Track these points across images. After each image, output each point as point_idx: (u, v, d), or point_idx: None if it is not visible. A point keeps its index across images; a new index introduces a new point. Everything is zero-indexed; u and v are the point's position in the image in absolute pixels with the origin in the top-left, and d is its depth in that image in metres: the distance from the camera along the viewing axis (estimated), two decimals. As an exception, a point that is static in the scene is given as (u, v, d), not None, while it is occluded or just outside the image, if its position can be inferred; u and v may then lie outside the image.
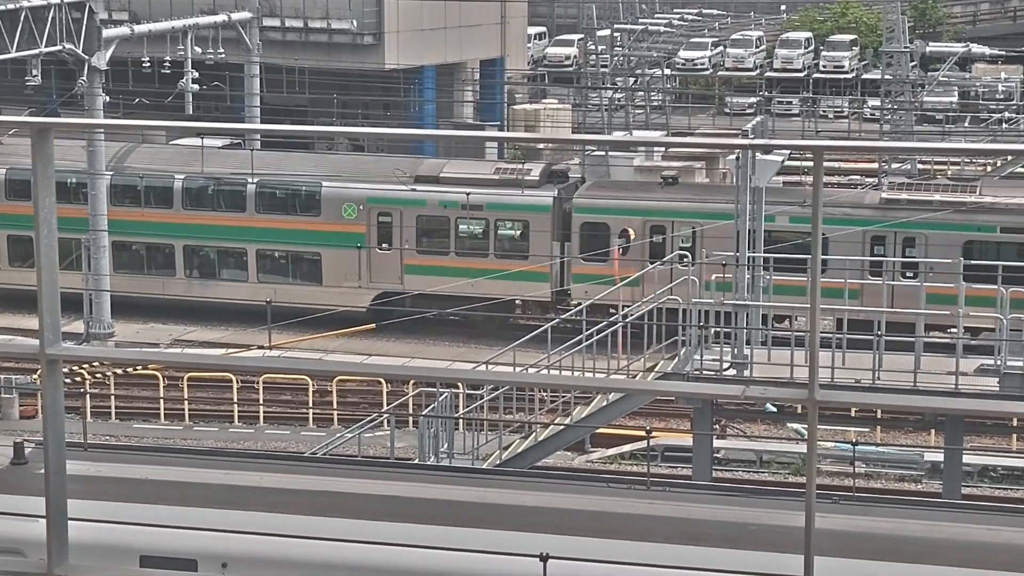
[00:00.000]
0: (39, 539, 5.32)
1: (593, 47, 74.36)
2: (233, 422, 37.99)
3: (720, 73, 78.26)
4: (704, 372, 25.77)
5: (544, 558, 14.44)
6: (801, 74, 76.46)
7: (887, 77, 59.65)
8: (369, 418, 29.56)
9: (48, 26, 41.54)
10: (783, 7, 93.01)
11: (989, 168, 53.22)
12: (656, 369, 26.57)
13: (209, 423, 38.03)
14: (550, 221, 43.60)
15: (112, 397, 38.79)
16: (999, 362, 25.95)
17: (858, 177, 57.93)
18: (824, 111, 72.84)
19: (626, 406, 27.51)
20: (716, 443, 32.01)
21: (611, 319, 27.03)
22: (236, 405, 38.26)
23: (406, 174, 44.17)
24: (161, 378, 39.08)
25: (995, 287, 28.49)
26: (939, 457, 30.94)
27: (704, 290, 28.21)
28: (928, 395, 23.24)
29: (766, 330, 27.13)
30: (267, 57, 54.89)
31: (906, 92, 59.78)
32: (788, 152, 35.05)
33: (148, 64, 46.39)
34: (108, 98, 44.88)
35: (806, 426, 5.01)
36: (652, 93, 72.92)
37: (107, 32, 43.99)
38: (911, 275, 38.17)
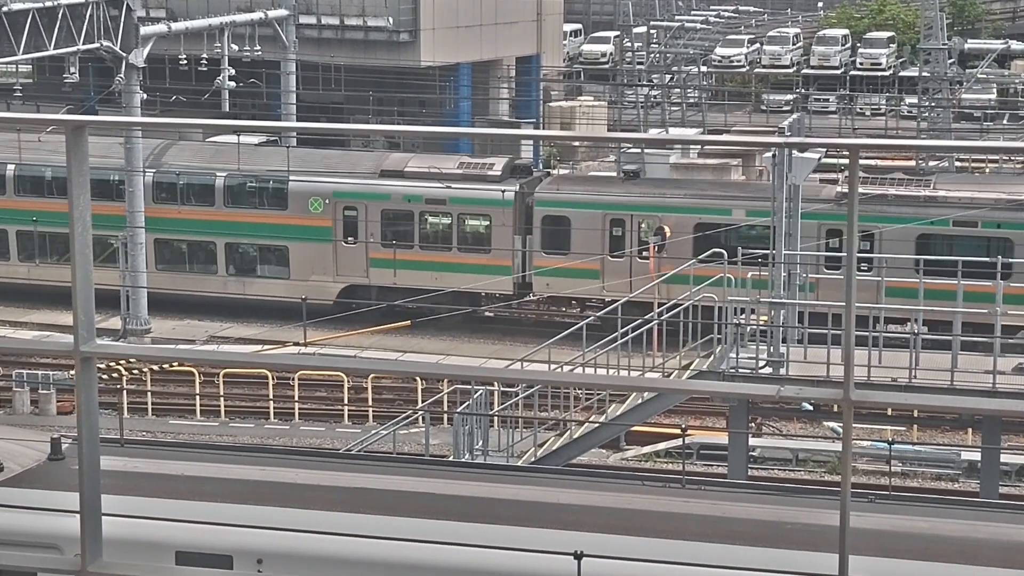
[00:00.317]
0: (75, 535, 5.33)
1: (629, 44, 74.24)
2: (269, 418, 38.09)
3: (757, 70, 78.04)
4: (740, 370, 25.68)
5: (579, 556, 14.42)
6: (838, 71, 76.19)
7: (925, 74, 59.35)
8: (404, 415, 29.60)
9: (86, 24, 41.72)
10: (820, 4, 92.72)
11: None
12: (692, 367, 26.51)
13: (245, 419, 38.13)
14: (512, 215, 44.12)
15: (148, 393, 38.93)
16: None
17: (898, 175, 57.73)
18: (861, 108, 72.55)
19: (661, 404, 27.47)
20: (752, 441, 31.92)
21: (646, 316, 26.97)
22: (272, 401, 38.36)
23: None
24: (197, 374, 39.21)
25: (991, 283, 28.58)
26: (976, 456, 30.81)
27: (740, 287, 28.10)
28: (964, 395, 23.13)
29: (801, 328, 27.02)
30: (303, 54, 55.00)
31: (944, 89, 59.47)
32: (825, 150, 34.91)
33: (185, 61, 46.54)
34: (145, 95, 45.05)
35: (842, 425, 4.98)
36: (688, 90, 72.76)
37: (144, 29, 44.16)
38: (866, 268, 38.36)
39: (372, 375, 38.47)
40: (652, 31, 76.94)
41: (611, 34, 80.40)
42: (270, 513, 16.16)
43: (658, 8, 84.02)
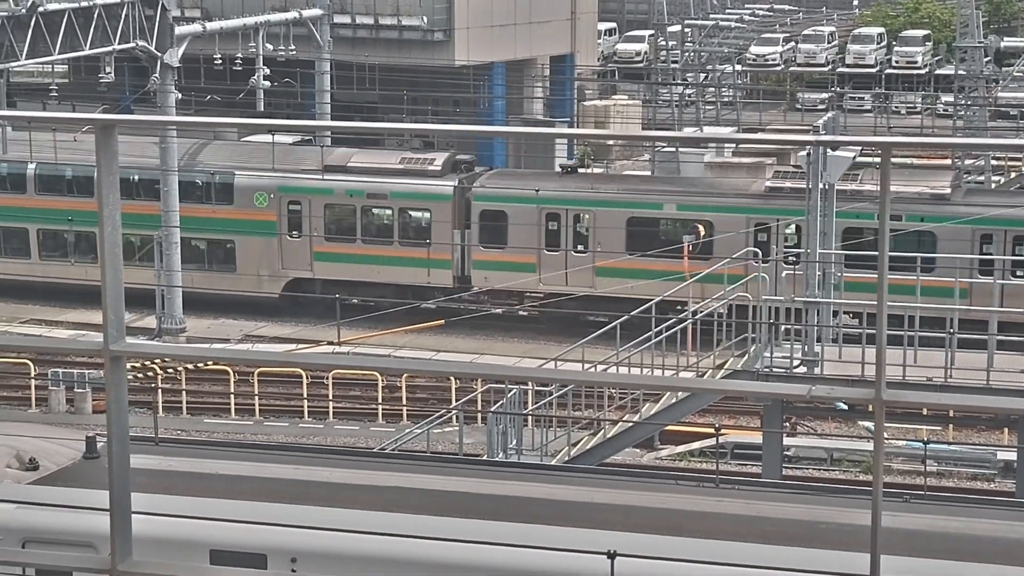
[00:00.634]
0: (109, 533, 5.33)
1: (664, 43, 74.14)
2: (303, 417, 38.16)
3: (792, 69, 77.82)
4: (774, 370, 25.60)
5: (612, 555, 14.40)
6: (873, 70, 75.92)
7: (961, 72, 59.08)
8: (438, 414, 29.60)
9: (121, 23, 41.88)
10: (856, 2, 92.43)
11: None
12: (726, 366, 26.44)
13: (279, 418, 38.20)
14: (451, 209, 44.72)
15: (183, 392, 39.05)
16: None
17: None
18: (896, 107, 72.29)
19: (695, 403, 27.40)
20: (786, 441, 31.82)
21: (680, 316, 26.90)
22: (306, 400, 38.43)
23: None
24: (232, 373, 39.30)
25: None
26: (1013, 456, 30.64)
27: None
28: (1000, 395, 23.00)
29: (836, 327, 26.92)
30: (338, 54, 55.08)
31: (980, 88, 59.20)
32: (859, 148, 34.78)
33: (220, 61, 46.67)
34: (180, 95, 45.19)
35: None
36: (723, 89, 72.62)
37: (179, 29, 44.31)
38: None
39: (406, 374, 38.48)
40: (687, 30, 76.86)
41: (646, 33, 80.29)
42: (304, 512, 16.18)
43: (693, 7, 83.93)
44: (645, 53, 79.44)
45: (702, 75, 74.04)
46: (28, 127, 47.15)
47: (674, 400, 25.91)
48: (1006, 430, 32.41)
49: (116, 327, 5.17)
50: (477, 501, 16.96)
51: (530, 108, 63.74)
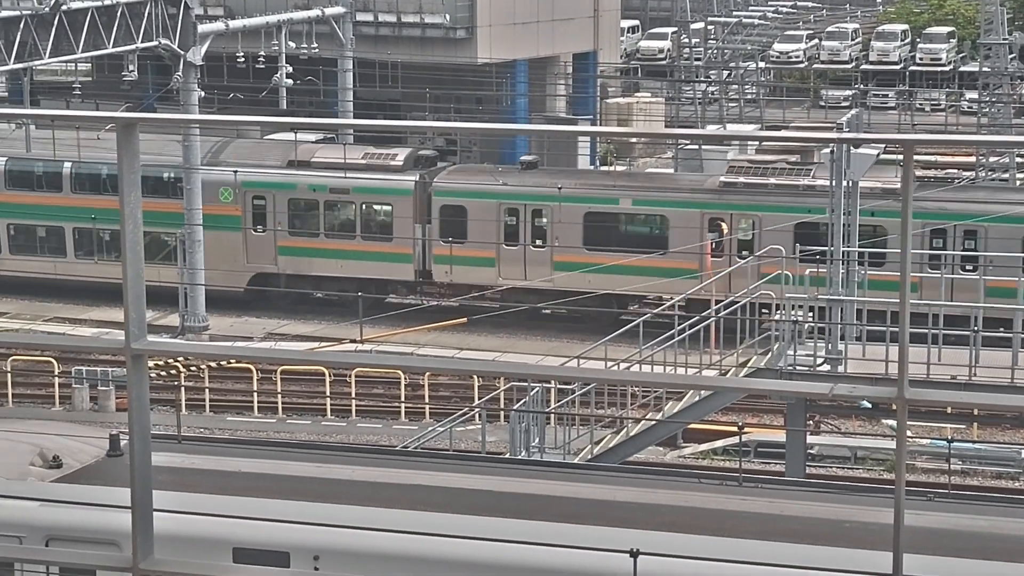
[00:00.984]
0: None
1: (687, 40, 74.03)
2: (326, 415, 38.19)
3: (815, 66, 77.66)
4: (797, 368, 25.55)
5: (635, 554, 14.38)
6: (897, 67, 75.70)
7: (985, 69, 58.87)
8: (460, 412, 29.59)
9: (144, 22, 41.96)
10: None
11: None
12: (749, 364, 26.39)
13: (302, 416, 38.24)
14: (412, 204, 45.24)
15: (206, 390, 39.12)
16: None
17: (955, 170, 57.35)
18: (920, 104, 72.08)
19: (718, 402, 27.36)
20: (810, 439, 31.75)
21: (703, 314, 26.86)
22: (329, 398, 38.45)
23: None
24: (255, 371, 39.36)
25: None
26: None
27: (798, 284, 27.94)
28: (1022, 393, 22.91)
29: (859, 325, 26.85)
30: (360, 52, 55.09)
31: (1004, 84, 58.98)
32: (884, 145, 34.70)
33: (242, 59, 46.73)
34: (203, 93, 45.26)
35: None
36: (746, 86, 72.49)
37: (202, 28, 44.37)
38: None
39: (429, 372, 38.49)
40: (710, 27, 76.72)
41: (669, 30, 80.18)
42: (327, 510, 16.19)
43: (716, 4, 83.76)
44: (668, 50, 79.32)
45: (725, 72, 73.89)
46: (51, 125, 47.29)
47: (697, 398, 25.87)
48: (1031, 428, 32.29)
49: (137, 325, 5.17)
50: (500, 499, 16.95)
51: (553, 106, 63.69)
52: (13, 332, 43.65)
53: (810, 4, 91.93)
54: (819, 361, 25.74)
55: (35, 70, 48.72)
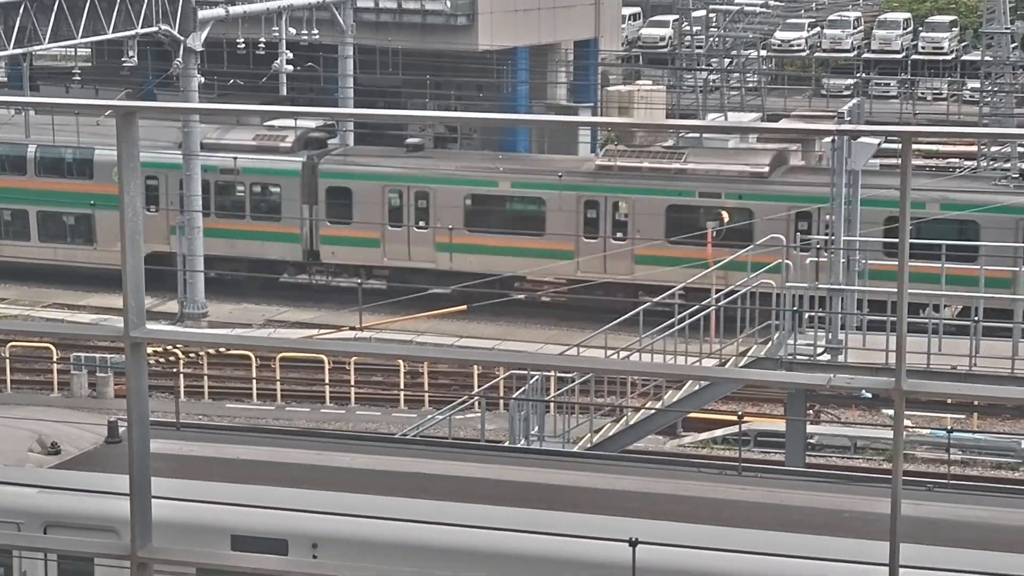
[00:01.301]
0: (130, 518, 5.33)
1: (688, 28, 73.95)
2: (325, 403, 38.20)
3: (817, 54, 77.57)
4: (798, 357, 25.54)
5: (634, 543, 14.38)
6: (899, 55, 75.62)
7: (987, 58, 58.80)
8: (460, 400, 29.60)
9: (144, 7, 41.92)
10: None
11: None
12: (749, 354, 26.38)
13: (301, 403, 38.26)
14: (299, 185, 46.13)
15: (205, 377, 39.12)
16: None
17: (956, 160, 57.34)
18: (922, 93, 72.01)
19: (718, 391, 27.34)
20: (810, 428, 31.76)
21: (703, 303, 26.84)
22: (328, 386, 38.46)
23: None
24: (254, 358, 39.36)
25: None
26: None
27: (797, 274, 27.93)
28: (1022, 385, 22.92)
29: (859, 315, 26.83)
30: (361, 38, 55.00)
31: (1007, 74, 58.91)
32: (883, 137, 34.73)
33: (243, 45, 46.69)
34: (203, 79, 45.23)
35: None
36: (748, 74, 72.41)
37: (202, 13, 44.32)
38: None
39: (428, 361, 38.49)
40: (711, 15, 76.61)
41: (670, 18, 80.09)
42: (325, 498, 16.20)
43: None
44: (669, 38, 79.23)
45: (727, 60, 73.80)
46: (51, 111, 47.39)
47: (697, 387, 25.86)
48: (1030, 418, 32.30)
49: (136, 313, 5.16)
50: (499, 487, 16.96)
51: (554, 93, 63.64)
52: (12, 319, 43.65)
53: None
54: (819, 350, 25.73)
55: (34, 55, 48.72)
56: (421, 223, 45.26)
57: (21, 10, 38.87)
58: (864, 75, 72.41)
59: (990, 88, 58.61)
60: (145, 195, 46.68)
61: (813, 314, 26.35)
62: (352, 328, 40.79)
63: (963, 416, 35.15)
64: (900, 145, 4.81)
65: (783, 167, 44.14)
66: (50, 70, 62.14)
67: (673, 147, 44.95)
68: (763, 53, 75.43)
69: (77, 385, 38.63)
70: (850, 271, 28.15)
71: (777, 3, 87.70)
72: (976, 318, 25.54)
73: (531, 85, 62.67)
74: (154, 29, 42.53)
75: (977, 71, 62.88)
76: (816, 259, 28.83)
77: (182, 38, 43.34)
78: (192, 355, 40.30)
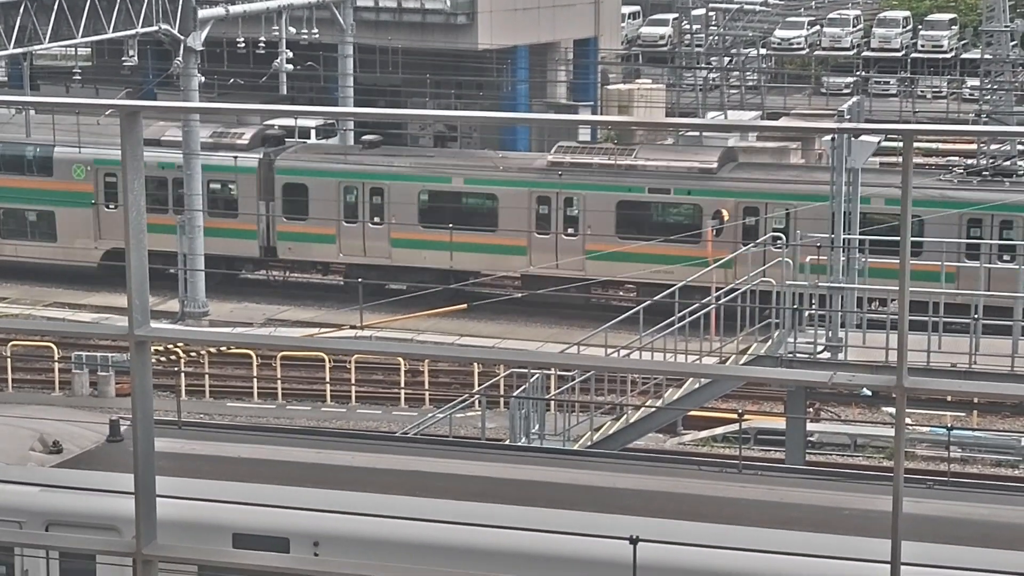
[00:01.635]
0: (133, 516, 5.35)
1: (688, 26, 73.95)
2: (326, 401, 38.20)
3: (816, 52, 77.58)
4: (798, 355, 25.55)
5: (634, 541, 14.41)
6: (899, 54, 75.61)
7: (987, 57, 58.81)
8: (460, 399, 29.60)
9: (144, 7, 41.92)
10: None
11: None
12: (749, 352, 26.39)
13: (302, 402, 38.26)
14: (255, 182, 46.54)
15: (206, 376, 39.13)
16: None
17: (956, 158, 57.35)
18: (922, 91, 72.01)
19: (718, 389, 27.36)
20: (810, 427, 31.77)
21: (704, 301, 26.85)
22: (328, 385, 38.47)
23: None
24: (255, 357, 39.36)
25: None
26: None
27: (799, 272, 27.93)
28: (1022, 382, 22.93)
29: (859, 312, 26.85)
30: (361, 37, 55.02)
31: (1006, 72, 58.91)
32: (883, 134, 34.71)
33: (243, 44, 46.72)
34: (203, 78, 45.23)
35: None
36: (747, 73, 72.42)
37: (203, 12, 44.33)
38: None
39: (428, 359, 38.50)
40: (711, 13, 76.58)
41: (670, 16, 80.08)
42: (327, 496, 16.22)
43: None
44: (669, 37, 79.22)
45: (726, 59, 73.79)
46: (52, 111, 47.47)
47: (697, 385, 25.87)
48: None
49: (141, 312, 5.19)
50: (499, 486, 16.98)
51: (553, 92, 63.66)
52: (14, 318, 43.68)
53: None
54: (819, 348, 25.75)
55: (35, 55, 48.75)
56: (376, 219, 45.65)
57: (21, 9, 38.87)
58: (864, 73, 72.41)
59: (990, 86, 58.62)
60: (105, 192, 47.53)
61: (813, 312, 26.36)
62: (353, 327, 40.80)
63: (963, 414, 35.16)
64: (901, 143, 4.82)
65: (732, 163, 44.68)
66: (50, 69, 62.18)
67: (624, 143, 45.52)
68: (763, 51, 75.43)
69: (78, 384, 38.63)
70: (850, 269, 28.16)
71: (777, 1, 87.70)
72: (976, 316, 25.55)
73: (531, 84, 62.68)
74: (154, 28, 42.53)
75: (977, 69, 62.88)
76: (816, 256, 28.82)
77: (182, 37, 43.35)
78: (193, 354, 40.30)
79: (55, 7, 39.66)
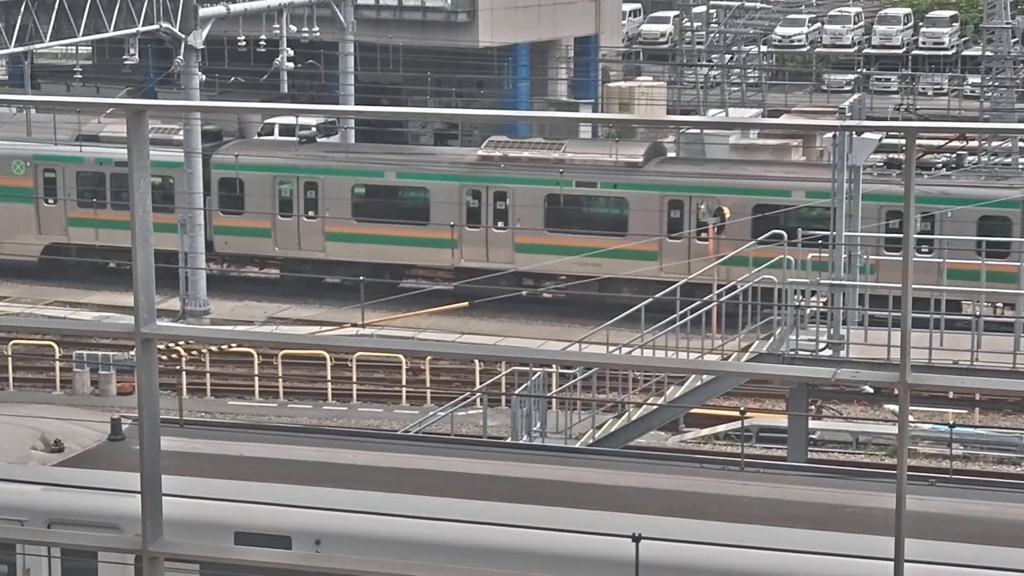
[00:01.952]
0: (135, 515, 5.37)
1: (688, 24, 73.92)
2: (327, 399, 38.21)
3: (817, 50, 77.56)
4: (800, 352, 25.57)
5: (637, 539, 14.41)
6: (900, 51, 75.59)
7: (988, 53, 58.81)
8: (462, 397, 29.62)
9: (145, 5, 41.94)
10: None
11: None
12: (751, 349, 26.40)
13: (303, 400, 38.27)
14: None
15: (207, 374, 39.14)
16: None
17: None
18: (923, 88, 71.98)
19: (720, 386, 27.37)
20: (812, 424, 31.77)
21: (706, 298, 26.86)
22: (330, 383, 38.47)
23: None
24: (256, 356, 39.37)
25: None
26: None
27: (801, 269, 27.94)
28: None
29: (862, 310, 26.87)
30: (361, 35, 55.02)
31: (1007, 69, 58.92)
32: (884, 132, 34.73)
33: (244, 43, 46.74)
34: (204, 77, 45.25)
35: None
36: (748, 70, 72.39)
37: (203, 11, 44.34)
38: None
39: (430, 357, 38.49)
40: (712, 10, 76.57)
41: (670, 14, 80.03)
42: (328, 494, 16.23)
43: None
44: (670, 34, 79.19)
45: (727, 56, 73.78)
46: (54, 110, 47.47)
47: (699, 383, 25.88)
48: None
49: (147, 310, 5.20)
50: (501, 484, 16.99)
51: (554, 90, 63.65)
52: (16, 316, 43.70)
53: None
54: (821, 346, 25.76)
55: (36, 54, 48.73)
56: (311, 213, 46.04)
57: (22, 8, 38.89)
58: (865, 70, 72.39)
59: (991, 83, 58.62)
60: (44, 187, 48.02)
61: (814, 309, 26.37)
62: (354, 325, 40.80)
63: (965, 411, 35.16)
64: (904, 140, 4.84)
65: (658, 157, 45.27)
66: (51, 68, 62.20)
67: (552, 138, 46.08)
68: (764, 49, 75.41)
69: (79, 383, 38.65)
70: (852, 266, 28.18)
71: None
72: (978, 313, 25.56)
73: (532, 82, 62.66)
74: (155, 27, 42.53)
75: (978, 66, 62.89)
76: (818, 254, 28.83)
77: (183, 36, 43.35)
78: (194, 352, 40.32)
79: (56, 6, 39.68)
